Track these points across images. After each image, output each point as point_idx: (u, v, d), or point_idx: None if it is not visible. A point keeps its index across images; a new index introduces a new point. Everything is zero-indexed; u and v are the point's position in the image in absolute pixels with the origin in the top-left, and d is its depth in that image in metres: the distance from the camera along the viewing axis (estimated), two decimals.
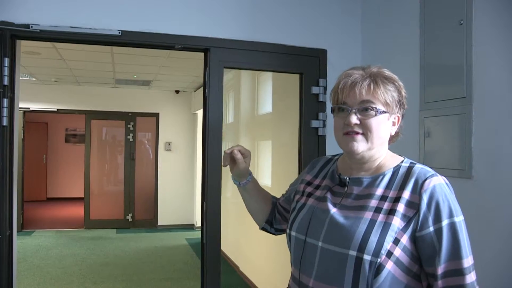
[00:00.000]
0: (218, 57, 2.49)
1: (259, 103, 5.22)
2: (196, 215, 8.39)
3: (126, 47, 2.64)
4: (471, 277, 1.03)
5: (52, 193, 11.87)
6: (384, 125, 1.14)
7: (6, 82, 2.18)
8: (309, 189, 1.29)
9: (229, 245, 5.95)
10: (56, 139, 12.00)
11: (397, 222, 1.05)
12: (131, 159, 8.57)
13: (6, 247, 2.21)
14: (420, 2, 2.20)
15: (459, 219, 1.05)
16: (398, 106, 1.17)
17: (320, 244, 1.13)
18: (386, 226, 1.05)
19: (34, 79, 7.31)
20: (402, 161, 1.17)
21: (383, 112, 1.13)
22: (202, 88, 2.66)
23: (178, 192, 8.57)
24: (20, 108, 7.52)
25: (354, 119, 1.12)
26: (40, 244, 6.97)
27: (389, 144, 1.22)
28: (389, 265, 1.03)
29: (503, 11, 1.74)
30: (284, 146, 4.15)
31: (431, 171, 1.11)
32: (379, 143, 1.15)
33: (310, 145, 2.64)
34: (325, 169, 1.31)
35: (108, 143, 8.70)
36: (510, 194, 1.66)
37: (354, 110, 1.13)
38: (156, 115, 8.60)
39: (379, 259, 1.02)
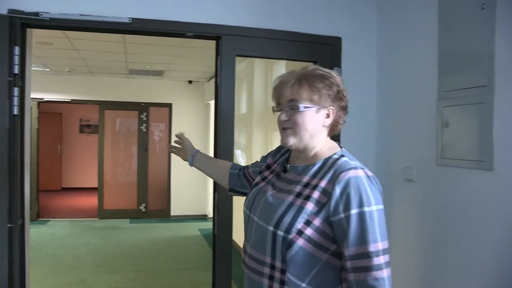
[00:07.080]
0: (230, 45, 2.45)
1: None
2: (209, 206, 8.39)
3: (138, 36, 2.61)
4: (378, 260, 1.14)
5: (67, 183, 12.00)
6: (310, 119, 1.29)
7: (16, 70, 2.17)
8: (266, 173, 1.49)
9: (241, 235, 5.93)
10: (70, 130, 12.11)
11: (310, 206, 1.22)
12: (144, 149, 8.59)
13: (18, 235, 2.21)
14: None
15: (371, 208, 1.16)
16: (330, 100, 1.30)
17: (256, 219, 1.35)
18: (300, 209, 1.23)
19: (48, 69, 7.35)
20: (335, 153, 1.31)
21: (308, 107, 1.28)
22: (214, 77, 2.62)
23: (191, 183, 8.56)
24: (35, 98, 7.61)
25: (283, 116, 1.32)
26: (55, 233, 7.06)
27: (330, 134, 1.36)
28: (300, 242, 1.21)
29: None
30: None
31: (352, 165, 1.22)
32: (307, 136, 1.30)
33: None
34: (283, 157, 1.49)
35: (121, 133, 8.72)
36: None
37: (285, 109, 1.31)
38: (169, 106, 8.58)
39: (290, 236, 1.21)
